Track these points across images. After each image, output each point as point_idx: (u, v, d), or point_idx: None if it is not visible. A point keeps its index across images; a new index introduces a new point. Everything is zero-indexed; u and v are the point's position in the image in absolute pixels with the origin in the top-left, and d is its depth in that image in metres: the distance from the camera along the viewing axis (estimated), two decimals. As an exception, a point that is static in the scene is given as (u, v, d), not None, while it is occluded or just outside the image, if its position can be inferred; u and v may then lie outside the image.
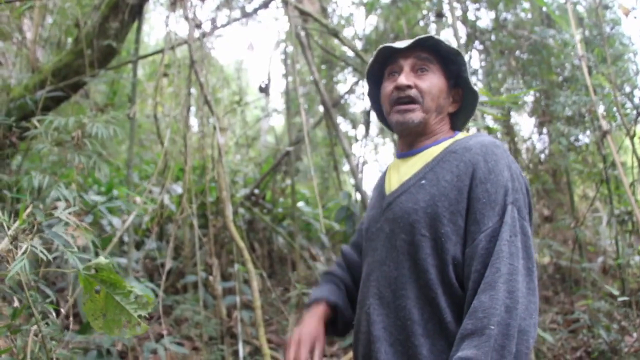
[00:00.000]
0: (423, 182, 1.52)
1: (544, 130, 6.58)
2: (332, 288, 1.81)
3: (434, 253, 1.45)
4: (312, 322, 1.67)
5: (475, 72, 6.83)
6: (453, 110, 1.70)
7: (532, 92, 6.34)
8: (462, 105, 1.70)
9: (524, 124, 7.73)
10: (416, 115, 1.61)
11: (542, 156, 7.01)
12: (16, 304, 1.90)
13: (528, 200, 1.48)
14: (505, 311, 1.26)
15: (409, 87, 1.61)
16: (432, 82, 1.62)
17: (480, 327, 1.26)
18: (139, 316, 1.70)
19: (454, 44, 6.77)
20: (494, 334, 1.24)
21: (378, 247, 1.60)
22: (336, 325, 1.77)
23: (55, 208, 3.03)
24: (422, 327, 1.43)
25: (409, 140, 1.68)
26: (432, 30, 6.78)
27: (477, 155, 1.46)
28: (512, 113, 7.02)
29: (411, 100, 1.61)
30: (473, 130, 3.73)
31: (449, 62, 1.65)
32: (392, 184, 1.65)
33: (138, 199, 4.84)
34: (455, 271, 1.44)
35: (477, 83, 6.75)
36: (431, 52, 1.63)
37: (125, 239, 5.33)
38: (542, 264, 6.72)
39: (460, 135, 1.65)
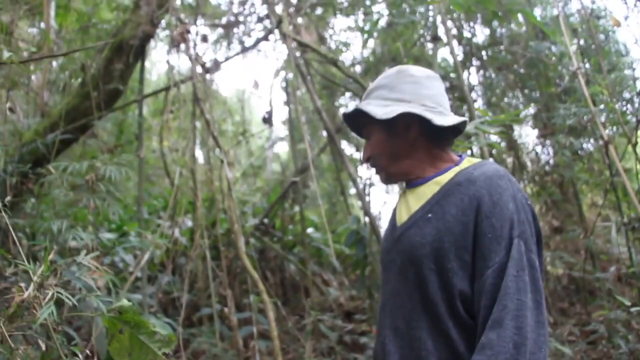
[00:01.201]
0: (430, 215, 1.53)
1: (547, 142, 6.62)
2: None
3: (441, 287, 1.47)
4: None
5: (473, 89, 6.91)
6: (427, 143, 1.64)
7: (532, 104, 6.40)
8: (431, 132, 1.61)
9: (528, 136, 7.76)
10: (382, 177, 1.73)
11: (548, 167, 7.04)
12: (42, 347, 1.94)
13: (535, 228, 1.47)
14: (514, 348, 1.27)
15: (368, 159, 1.73)
16: (374, 142, 1.68)
17: None
18: (164, 354, 1.75)
19: (450, 62, 6.84)
20: None
21: (391, 278, 1.63)
22: None
23: (75, 249, 3.09)
24: (437, 357, 1.46)
25: (412, 175, 1.70)
26: (429, 50, 6.87)
27: (481, 189, 1.46)
28: (515, 126, 7.08)
29: (375, 168, 1.73)
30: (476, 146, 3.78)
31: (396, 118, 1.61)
32: (402, 216, 1.67)
33: (150, 236, 4.90)
34: (464, 304, 1.45)
35: (476, 99, 6.82)
36: (365, 114, 1.64)
37: (139, 274, 5.38)
38: (556, 276, 6.71)
39: (465, 162, 1.62)
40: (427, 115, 1.55)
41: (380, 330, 1.66)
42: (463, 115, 1.84)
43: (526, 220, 1.43)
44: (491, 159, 1.62)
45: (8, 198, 1.89)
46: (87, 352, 2.26)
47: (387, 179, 1.72)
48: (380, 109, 1.60)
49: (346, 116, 1.73)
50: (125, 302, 1.65)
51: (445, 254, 1.46)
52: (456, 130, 1.66)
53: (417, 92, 1.60)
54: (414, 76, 1.63)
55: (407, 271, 1.56)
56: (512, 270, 1.35)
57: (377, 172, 1.74)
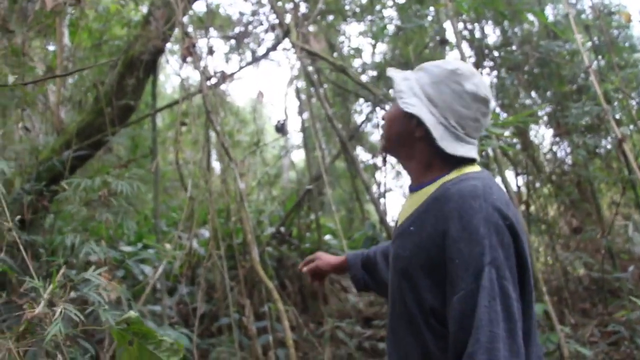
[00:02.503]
0: (412, 228, 1.52)
1: (563, 141, 6.56)
2: (359, 253, 2.14)
3: (416, 300, 1.47)
4: (329, 255, 2.15)
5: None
6: (428, 149, 1.59)
7: (545, 104, 6.35)
8: (435, 145, 1.55)
9: (544, 136, 7.69)
10: (380, 145, 1.76)
11: (565, 167, 6.98)
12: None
13: (517, 249, 1.39)
14: None
15: (383, 118, 1.72)
16: (391, 111, 1.68)
17: None
18: (173, 364, 1.78)
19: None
20: None
21: (390, 279, 1.67)
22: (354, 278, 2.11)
23: (89, 263, 3.14)
24: None
25: (410, 176, 1.69)
26: (439, 55, 6.86)
27: (452, 211, 1.40)
28: (530, 126, 7.02)
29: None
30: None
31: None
32: (400, 219, 1.70)
33: (168, 246, 4.95)
34: (437, 318, 1.44)
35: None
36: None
37: (158, 286, 5.44)
38: (578, 277, 6.63)
39: (452, 174, 1.55)
40: (435, 132, 1.52)
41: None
42: None
43: (500, 244, 1.35)
44: (486, 171, 1.51)
45: (18, 217, 1.94)
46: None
47: (384, 149, 1.73)
48: (407, 93, 1.57)
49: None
50: (132, 314, 1.69)
51: (419, 271, 1.46)
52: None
53: (450, 103, 1.53)
54: (461, 87, 1.53)
55: (394, 277, 1.59)
56: (483, 301, 1.29)
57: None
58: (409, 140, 1.61)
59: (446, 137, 1.53)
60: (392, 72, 1.64)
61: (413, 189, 1.66)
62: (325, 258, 2.11)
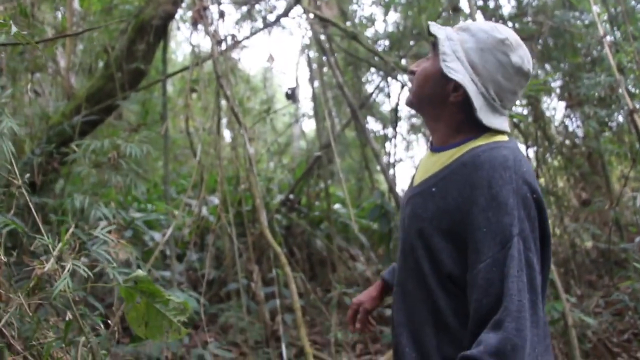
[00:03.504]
0: (434, 189, 1.51)
1: (575, 113, 6.50)
2: (390, 269, 1.98)
3: (432, 261, 1.48)
4: (367, 291, 1.97)
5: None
6: (460, 113, 1.56)
7: (559, 76, 6.27)
8: (469, 110, 1.52)
9: (555, 108, 7.61)
10: (407, 99, 1.67)
11: (576, 140, 6.92)
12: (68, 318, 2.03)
13: (540, 224, 1.41)
14: (512, 350, 1.26)
15: (412, 72, 1.64)
16: (424, 66, 1.61)
17: (480, 356, 1.27)
18: (179, 322, 1.82)
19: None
20: None
21: (400, 237, 1.67)
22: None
23: (98, 226, 3.17)
24: (431, 325, 1.50)
25: (434, 135, 1.66)
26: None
27: (482, 179, 1.39)
28: (542, 98, 6.95)
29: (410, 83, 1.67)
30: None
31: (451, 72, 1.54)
32: (417, 178, 1.66)
33: (177, 212, 5.00)
34: (454, 282, 1.45)
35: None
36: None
37: (167, 252, 5.51)
38: (585, 249, 6.64)
39: (481, 140, 1.53)
40: (476, 101, 1.49)
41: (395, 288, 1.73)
42: None
43: (528, 217, 1.37)
44: (514, 141, 1.47)
45: (28, 176, 1.97)
46: (110, 323, 2.35)
47: (410, 103, 1.67)
48: (451, 56, 1.51)
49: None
50: (140, 272, 1.72)
51: (439, 234, 1.46)
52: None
53: (492, 73, 1.50)
54: (508, 59, 1.49)
55: (408, 234, 1.58)
56: (513, 271, 1.30)
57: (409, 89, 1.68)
58: (441, 102, 1.56)
59: (484, 108, 1.51)
60: (434, 28, 1.57)
61: (436, 149, 1.63)
62: (365, 297, 1.94)
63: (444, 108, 1.57)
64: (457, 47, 1.52)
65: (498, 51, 1.49)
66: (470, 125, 1.54)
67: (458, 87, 1.51)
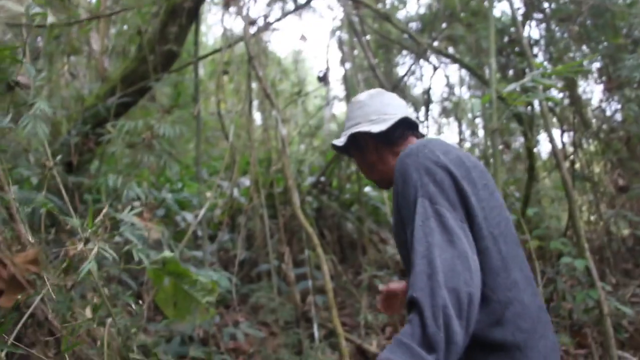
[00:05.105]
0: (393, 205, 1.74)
1: (614, 97, 6.29)
2: None
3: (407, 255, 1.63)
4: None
5: (536, 43, 6.61)
6: (386, 145, 1.88)
7: (598, 58, 6.07)
8: (383, 137, 1.85)
9: (593, 92, 7.38)
10: (378, 186, 2.04)
11: (614, 124, 6.71)
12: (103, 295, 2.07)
13: (452, 180, 1.54)
14: (428, 279, 1.34)
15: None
16: (358, 164, 1.99)
17: (409, 300, 1.35)
18: (208, 302, 1.83)
19: (509, 16, 6.56)
20: (420, 299, 1.32)
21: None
22: None
23: (130, 206, 3.21)
24: None
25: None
26: (485, 7, 6.60)
27: (397, 173, 1.62)
28: (579, 82, 6.76)
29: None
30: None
31: (355, 138, 1.90)
32: None
33: (209, 194, 5.05)
34: None
35: (537, 55, 6.54)
36: (345, 146, 1.94)
37: (199, 233, 5.58)
38: (621, 237, 6.47)
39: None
40: (365, 128, 1.83)
41: None
42: (524, 72, 1.89)
43: (432, 181, 1.52)
44: (429, 138, 1.70)
45: (62, 157, 2.00)
46: (140, 302, 2.39)
47: (380, 186, 1.98)
48: (342, 138, 1.92)
49: (338, 149, 2.00)
50: (167, 254, 1.73)
51: (402, 231, 1.63)
52: (406, 123, 1.86)
53: (363, 113, 1.90)
54: (360, 101, 1.93)
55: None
56: (418, 223, 1.45)
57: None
58: (375, 157, 1.90)
59: (375, 126, 1.84)
60: (332, 144, 1.96)
61: None
62: (394, 284, 2.10)
63: (381, 154, 1.90)
64: (344, 133, 1.92)
65: (352, 107, 1.96)
66: (404, 146, 1.86)
67: (363, 138, 1.88)
